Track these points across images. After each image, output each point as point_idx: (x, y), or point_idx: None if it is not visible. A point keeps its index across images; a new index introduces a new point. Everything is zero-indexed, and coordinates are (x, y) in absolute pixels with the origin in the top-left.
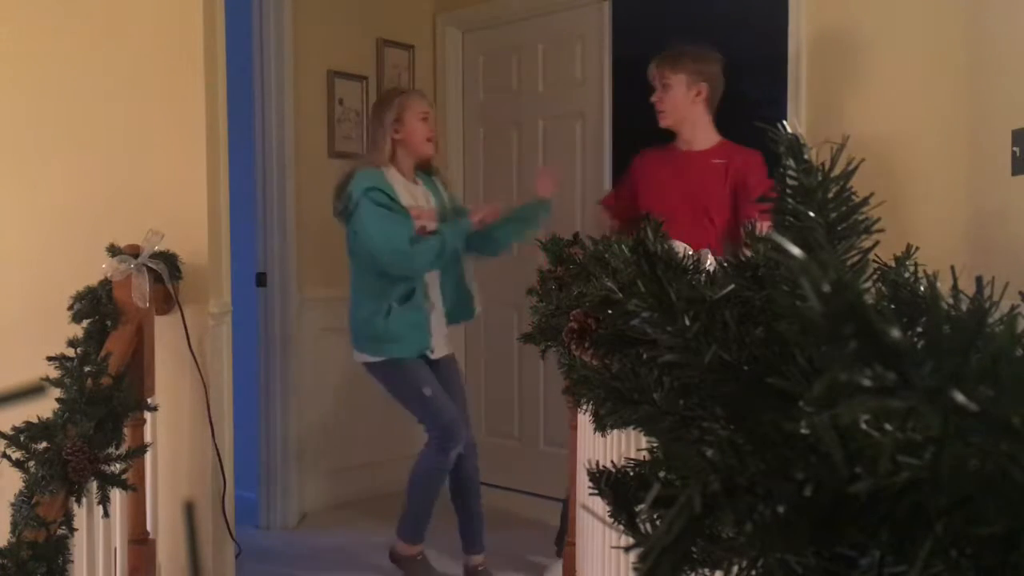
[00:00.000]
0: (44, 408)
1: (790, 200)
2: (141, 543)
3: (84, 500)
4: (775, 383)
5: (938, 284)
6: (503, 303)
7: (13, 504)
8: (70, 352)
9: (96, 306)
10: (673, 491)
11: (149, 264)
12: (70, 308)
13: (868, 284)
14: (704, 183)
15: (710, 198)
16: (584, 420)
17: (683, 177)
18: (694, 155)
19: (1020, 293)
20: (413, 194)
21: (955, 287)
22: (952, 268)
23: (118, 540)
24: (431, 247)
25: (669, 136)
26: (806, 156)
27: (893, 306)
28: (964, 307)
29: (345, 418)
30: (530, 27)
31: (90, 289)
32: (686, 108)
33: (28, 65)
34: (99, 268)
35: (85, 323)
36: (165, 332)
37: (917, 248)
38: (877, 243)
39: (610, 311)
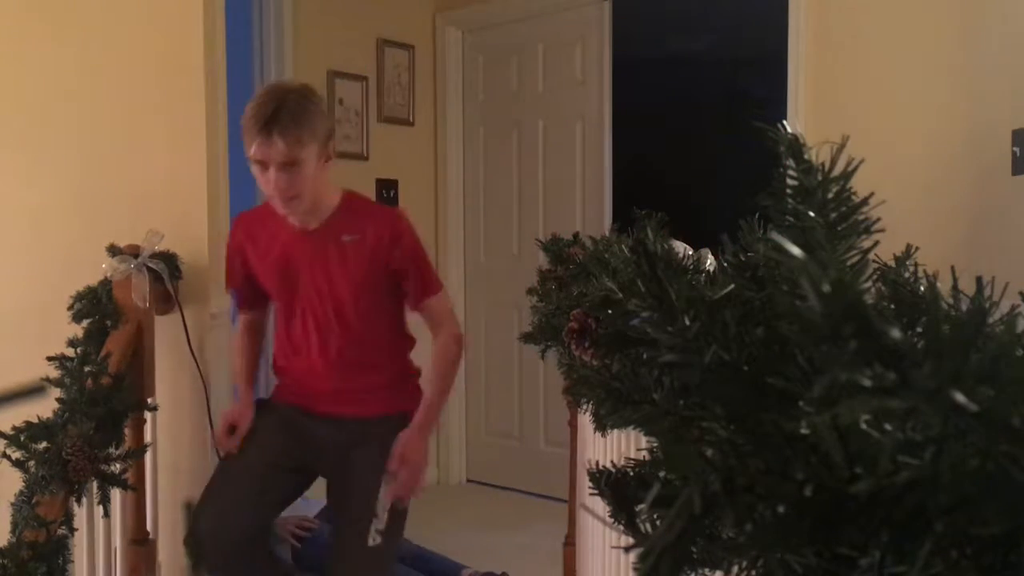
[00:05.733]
0: (44, 408)
1: (790, 200)
2: (141, 543)
3: (84, 500)
4: (775, 383)
5: (938, 284)
6: (503, 303)
7: (13, 504)
8: (70, 352)
9: (96, 306)
10: (673, 491)
11: (149, 264)
12: (70, 308)
13: (868, 284)
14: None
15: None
16: (584, 420)
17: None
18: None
19: (1020, 293)
20: None
21: (955, 287)
22: (952, 268)
23: (118, 540)
24: None
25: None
26: (806, 156)
27: (893, 306)
28: (964, 307)
29: None
30: (530, 27)
31: (90, 289)
32: (320, 178)
33: (28, 65)
34: (99, 268)
35: (85, 323)
36: (165, 332)
37: (917, 248)
38: (877, 243)
39: (610, 311)
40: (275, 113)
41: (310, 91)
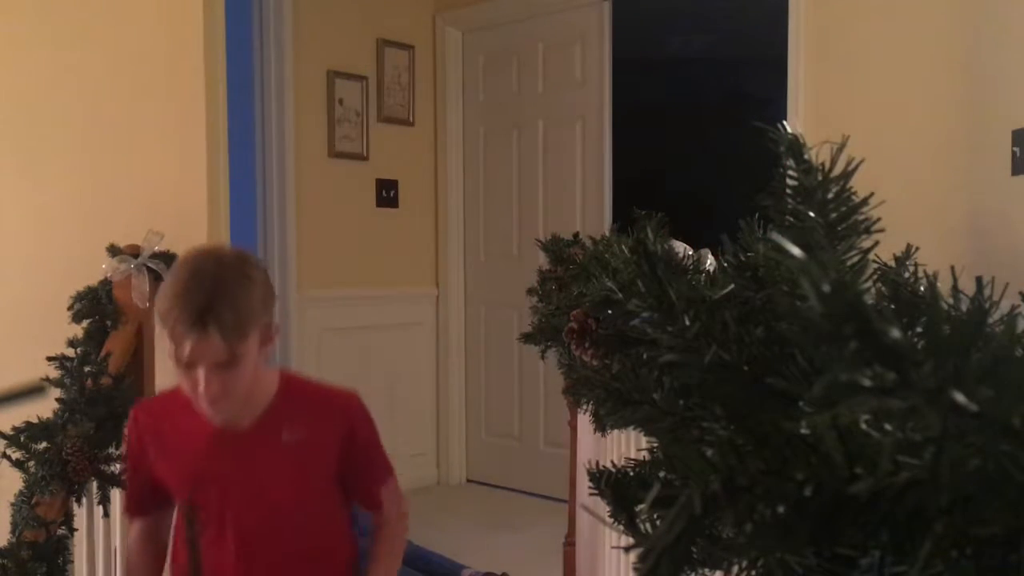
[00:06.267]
0: (44, 408)
1: (790, 200)
2: None
3: (84, 500)
4: (775, 383)
5: (938, 284)
6: (503, 303)
7: (13, 504)
8: (70, 352)
9: (96, 306)
10: (673, 491)
11: (149, 264)
12: (70, 308)
13: (868, 284)
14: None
15: None
16: (584, 420)
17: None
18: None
19: (1020, 293)
20: None
21: (955, 287)
22: (952, 268)
23: (118, 540)
24: None
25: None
26: (806, 156)
27: (893, 306)
28: (964, 307)
29: None
30: (530, 27)
31: (90, 289)
32: (258, 368)
33: (30, 66)
34: (99, 268)
35: (85, 323)
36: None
37: (917, 248)
38: (877, 243)
39: (610, 311)
40: (211, 301)
41: (245, 260)
